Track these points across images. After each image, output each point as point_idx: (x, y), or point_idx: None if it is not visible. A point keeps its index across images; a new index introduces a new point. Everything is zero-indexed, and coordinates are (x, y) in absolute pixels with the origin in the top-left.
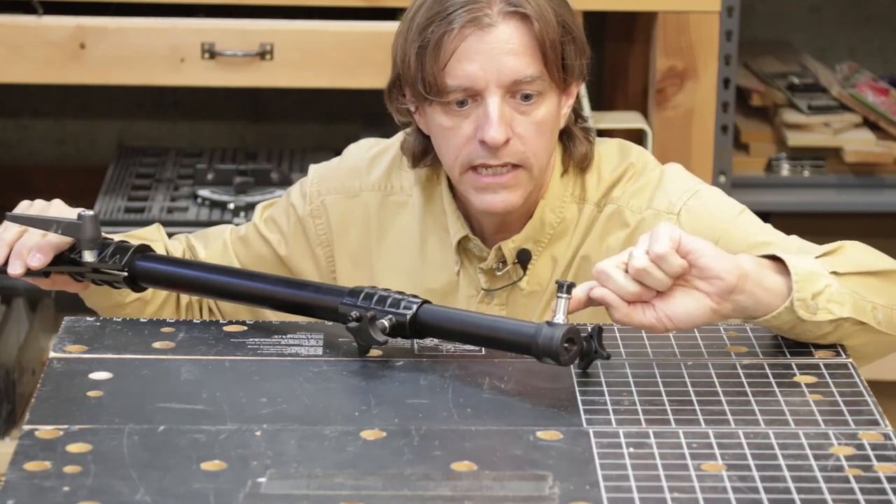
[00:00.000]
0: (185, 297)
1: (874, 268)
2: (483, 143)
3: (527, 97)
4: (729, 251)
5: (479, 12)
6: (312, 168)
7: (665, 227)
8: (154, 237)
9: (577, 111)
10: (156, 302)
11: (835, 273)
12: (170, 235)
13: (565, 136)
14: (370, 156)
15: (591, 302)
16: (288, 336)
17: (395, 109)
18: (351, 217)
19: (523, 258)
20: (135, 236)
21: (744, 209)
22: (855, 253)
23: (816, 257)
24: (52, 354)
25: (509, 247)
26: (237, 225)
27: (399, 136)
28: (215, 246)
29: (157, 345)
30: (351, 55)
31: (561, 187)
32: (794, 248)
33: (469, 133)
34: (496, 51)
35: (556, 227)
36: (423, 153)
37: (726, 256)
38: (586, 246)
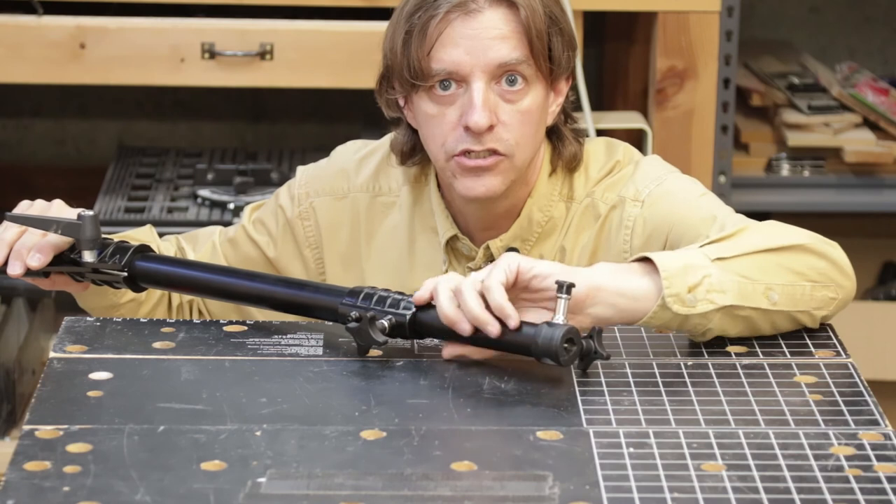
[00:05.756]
0: (176, 299)
1: (772, 245)
2: (467, 128)
3: (512, 81)
4: (683, 233)
5: None
6: (300, 170)
7: (506, 258)
8: (146, 238)
9: (566, 112)
10: (149, 303)
11: (720, 259)
12: (170, 235)
13: (555, 136)
14: (358, 157)
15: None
16: (288, 336)
17: (385, 103)
18: (340, 219)
19: None
20: (127, 237)
21: (705, 192)
22: (751, 234)
23: (702, 245)
24: (52, 354)
25: (497, 245)
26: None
27: (387, 138)
28: (205, 247)
29: (157, 345)
30: (351, 55)
31: (549, 186)
32: (729, 223)
33: (454, 120)
34: (481, 36)
35: (543, 226)
36: (411, 150)
37: (574, 272)
38: (565, 239)
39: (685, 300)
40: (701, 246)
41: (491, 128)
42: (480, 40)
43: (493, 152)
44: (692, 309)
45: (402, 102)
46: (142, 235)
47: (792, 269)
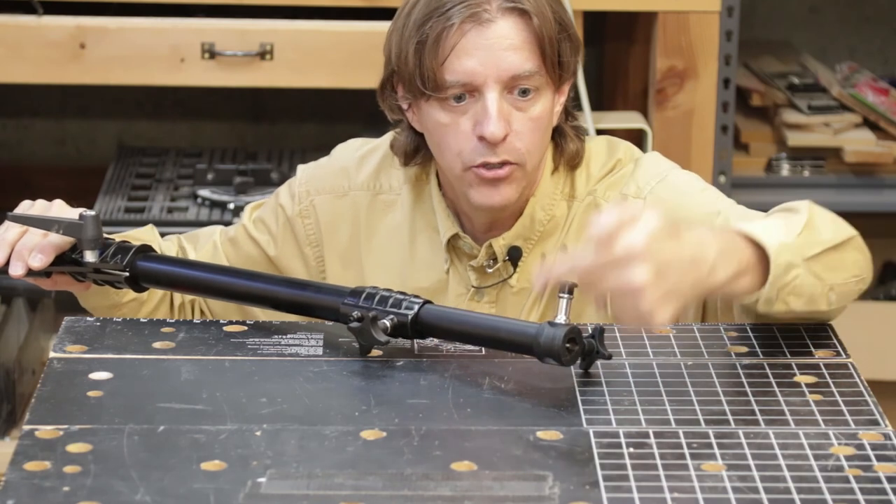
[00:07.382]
0: (178, 299)
1: (836, 240)
2: (482, 138)
3: (524, 92)
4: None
5: (478, 8)
6: (301, 168)
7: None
8: (148, 238)
9: (567, 109)
10: (151, 302)
11: (810, 258)
12: (171, 235)
13: (557, 134)
14: (359, 155)
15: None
16: (288, 336)
17: (388, 107)
18: (340, 217)
19: (514, 255)
20: (128, 237)
21: (707, 187)
22: (822, 223)
23: (799, 233)
24: (52, 354)
25: (500, 244)
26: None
27: (388, 136)
28: (205, 247)
29: (157, 345)
30: (351, 55)
31: (551, 185)
32: (734, 214)
33: (467, 129)
34: (495, 46)
35: (545, 225)
36: (414, 151)
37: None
38: (567, 238)
39: (769, 300)
40: (799, 233)
41: (505, 137)
42: (493, 51)
43: (507, 162)
44: (769, 308)
45: (405, 106)
46: (143, 235)
47: (846, 265)
